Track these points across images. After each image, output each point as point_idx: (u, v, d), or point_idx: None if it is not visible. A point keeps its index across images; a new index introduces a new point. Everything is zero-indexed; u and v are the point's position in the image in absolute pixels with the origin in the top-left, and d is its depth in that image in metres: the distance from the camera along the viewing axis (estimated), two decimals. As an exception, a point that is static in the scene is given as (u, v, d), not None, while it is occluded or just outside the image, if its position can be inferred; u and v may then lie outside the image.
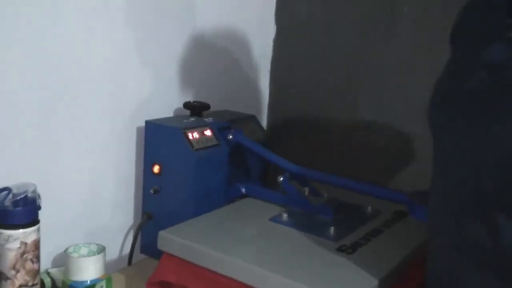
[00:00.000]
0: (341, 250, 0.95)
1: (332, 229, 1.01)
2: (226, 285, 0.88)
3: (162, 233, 0.97)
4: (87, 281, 1.01)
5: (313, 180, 1.17)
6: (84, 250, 1.06)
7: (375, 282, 0.84)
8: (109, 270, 1.09)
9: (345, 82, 1.44)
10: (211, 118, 1.23)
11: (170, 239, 0.96)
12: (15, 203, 0.88)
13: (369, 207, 1.15)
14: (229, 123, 1.24)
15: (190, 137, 1.12)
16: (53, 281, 1.02)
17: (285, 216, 1.07)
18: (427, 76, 1.29)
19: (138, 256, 1.19)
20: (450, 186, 0.66)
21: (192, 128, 1.14)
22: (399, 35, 1.33)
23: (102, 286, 1.02)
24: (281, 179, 1.12)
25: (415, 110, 1.33)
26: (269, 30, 1.55)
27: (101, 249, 1.05)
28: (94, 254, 1.04)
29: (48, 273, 1.03)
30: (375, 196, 1.11)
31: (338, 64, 1.45)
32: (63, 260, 1.04)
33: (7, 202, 0.89)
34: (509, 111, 0.58)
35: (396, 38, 1.34)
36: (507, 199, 0.58)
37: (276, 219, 1.07)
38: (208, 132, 1.17)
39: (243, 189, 1.21)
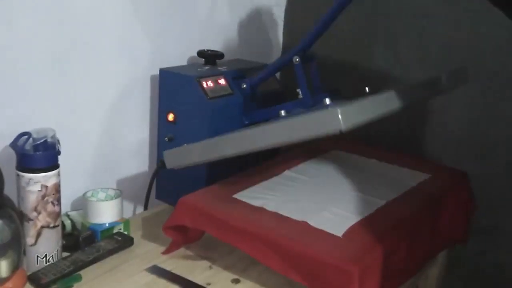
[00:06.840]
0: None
1: (327, 100, 0.97)
2: (236, 228, 0.92)
3: (166, 152, 1.03)
4: (105, 224, 1.04)
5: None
6: (101, 195, 1.09)
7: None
8: (126, 214, 1.12)
9: (359, 31, 1.42)
10: (225, 67, 1.23)
11: (174, 154, 1.02)
12: (35, 147, 0.90)
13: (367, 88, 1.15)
14: (242, 72, 1.24)
15: (205, 85, 1.12)
16: (73, 223, 1.06)
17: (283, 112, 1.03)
18: (443, 24, 1.28)
19: (153, 202, 1.22)
20: None
21: (207, 77, 1.14)
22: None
23: (120, 229, 1.05)
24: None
25: (431, 59, 1.32)
26: (284, -22, 1.53)
27: (118, 194, 1.08)
28: (111, 199, 1.07)
29: (68, 216, 1.06)
30: None
31: (352, 12, 1.42)
32: (81, 204, 1.07)
33: (28, 146, 0.90)
34: None
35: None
36: None
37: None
38: (222, 81, 1.17)
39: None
